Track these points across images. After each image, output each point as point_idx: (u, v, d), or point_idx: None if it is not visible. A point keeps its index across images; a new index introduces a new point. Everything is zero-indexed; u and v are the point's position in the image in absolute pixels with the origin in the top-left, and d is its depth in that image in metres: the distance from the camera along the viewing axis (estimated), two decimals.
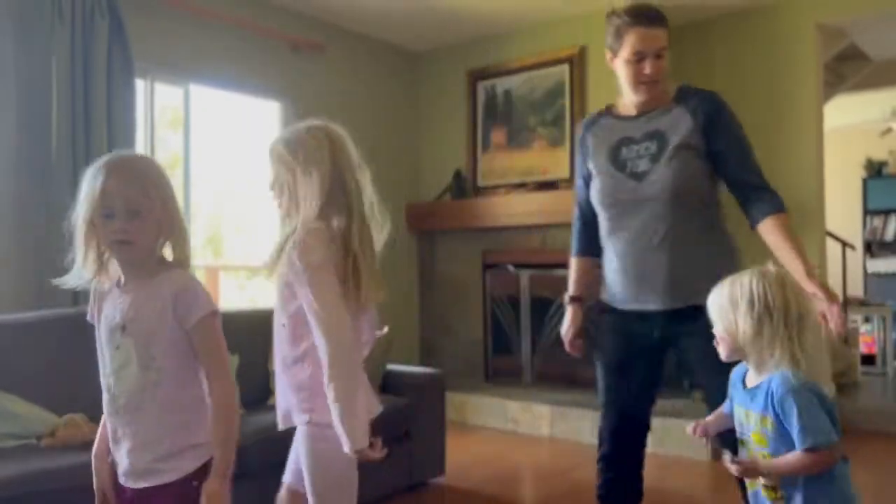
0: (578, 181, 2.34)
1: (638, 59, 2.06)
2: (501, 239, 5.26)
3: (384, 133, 5.56)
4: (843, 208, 7.59)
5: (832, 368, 4.93)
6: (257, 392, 3.34)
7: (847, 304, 6.14)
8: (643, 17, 2.06)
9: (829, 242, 5.12)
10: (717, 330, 1.69)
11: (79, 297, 3.53)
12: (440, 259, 5.70)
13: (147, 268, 1.57)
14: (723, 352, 1.69)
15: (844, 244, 6.19)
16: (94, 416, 2.59)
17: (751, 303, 1.60)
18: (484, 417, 4.85)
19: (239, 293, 5.27)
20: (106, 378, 1.58)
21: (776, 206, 2.28)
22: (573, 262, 2.39)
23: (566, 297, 2.37)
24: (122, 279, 1.60)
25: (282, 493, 2.05)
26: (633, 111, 2.16)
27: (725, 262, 2.07)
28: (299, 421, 1.85)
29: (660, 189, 2.04)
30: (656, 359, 2.26)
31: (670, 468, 3.79)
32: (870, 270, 8.16)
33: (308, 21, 4.98)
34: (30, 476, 2.18)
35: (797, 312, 1.60)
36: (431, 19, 5.11)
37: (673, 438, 4.00)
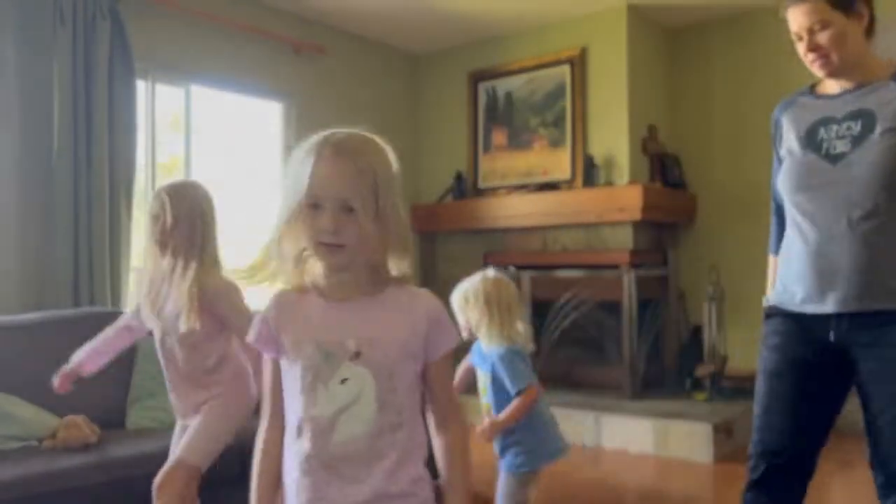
0: (774, 171, 1.99)
1: (797, 40, 1.94)
2: (503, 240, 5.26)
3: (385, 135, 5.51)
4: None
5: None
6: (258, 393, 3.34)
7: None
8: None
9: None
10: (459, 319, 2.30)
11: (79, 298, 3.53)
12: (441, 260, 5.69)
13: (374, 279, 1.23)
14: (463, 334, 2.30)
15: None
16: (94, 418, 2.60)
17: (476, 297, 2.30)
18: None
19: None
20: (314, 420, 1.19)
21: None
22: (771, 262, 2.03)
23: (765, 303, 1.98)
24: (326, 290, 1.23)
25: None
26: (836, 89, 1.89)
27: None
28: None
29: (858, 173, 1.73)
30: (831, 377, 1.87)
31: (671, 470, 3.78)
32: None
33: (309, 23, 4.98)
34: (31, 478, 2.18)
35: (507, 304, 2.31)
36: (432, 21, 5.12)
37: (674, 440, 3.99)
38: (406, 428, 1.20)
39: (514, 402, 2.26)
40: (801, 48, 1.94)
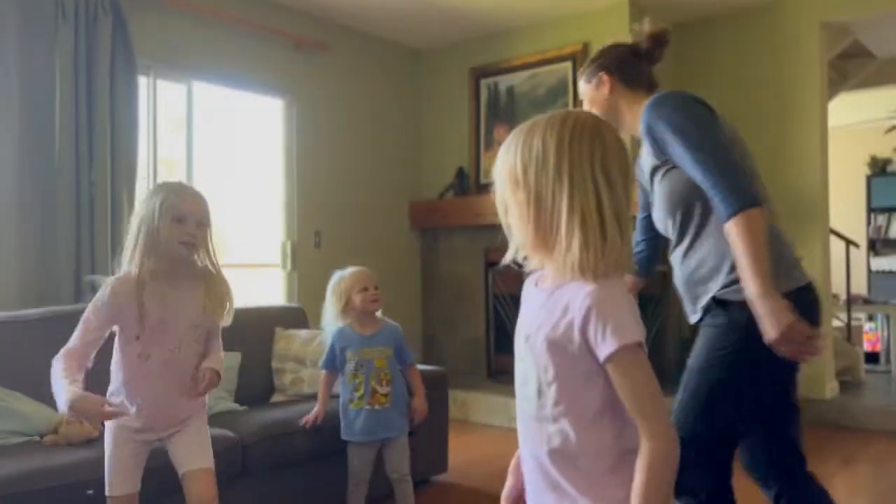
0: (643, 206, 2.38)
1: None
2: (504, 236, 5.26)
3: (387, 131, 5.56)
4: (847, 206, 7.56)
5: (835, 366, 4.92)
6: (259, 390, 3.35)
7: (851, 302, 6.13)
8: None
9: (833, 240, 5.11)
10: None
11: (81, 294, 3.54)
12: (443, 257, 5.69)
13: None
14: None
15: (848, 242, 6.17)
16: None
17: (333, 292, 2.80)
18: (486, 415, 4.85)
19: (241, 291, 5.27)
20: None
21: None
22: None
23: None
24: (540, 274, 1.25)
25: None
26: None
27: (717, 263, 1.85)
28: None
29: (656, 214, 2.06)
30: None
31: None
32: (874, 268, 8.14)
33: (311, 19, 4.98)
34: (32, 473, 2.18)
35: (346, 297, 2.75)
36: (434, 17, 5.11)
37: None
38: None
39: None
40: None
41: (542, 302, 1.18)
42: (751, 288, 1.65)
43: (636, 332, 1.07)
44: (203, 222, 2.07)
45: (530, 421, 1.18)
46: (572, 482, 1.12)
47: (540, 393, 1.15)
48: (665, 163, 1.88)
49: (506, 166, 1.21)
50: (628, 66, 2.15)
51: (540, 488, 1.18)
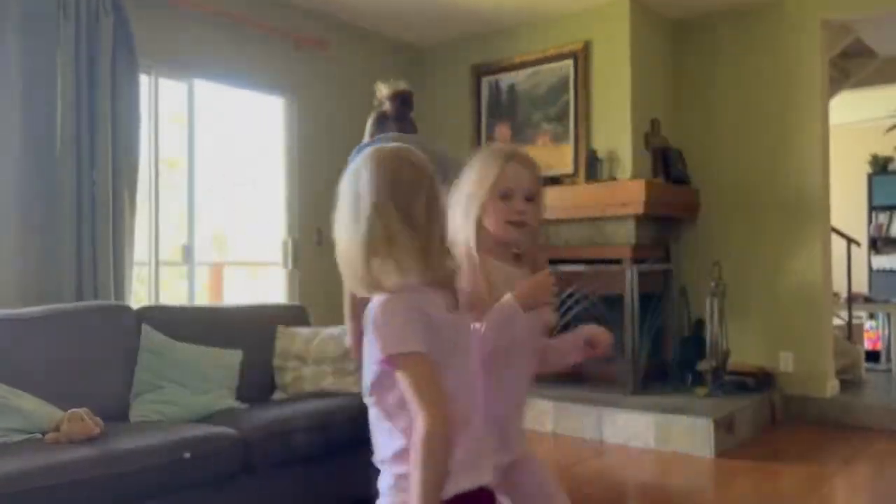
0: None
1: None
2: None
3: None
4: (848, 204, 7.56)
5: (836, 365, 4.92)
6: (260, 387, 3.35)
7: (852, 300, 6.13)
8: None
9: (834, 238, 5.11)
10: None
11: (82, 292, 3.55)
12: None
13: None
14: None
15: (849, 240, 6.16)
16: (98, 411, 2.61)
17: None
18: None
19: (242, 290, 5.28)
20: None
21: None
22: None
23: None
24: None
25: None
26: None
27: None
28: None
29: None
30: None
31: (672, 464, 3.79)
32: (875, 267, 8.13)
33: (312, 17, 4.98)
34: (34, 471, 2.19)
35: None
36: (435, 15, 5.11)
37: (675, 434, 4.00)
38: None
39: None
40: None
41: None
42: None
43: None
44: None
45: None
46: None
47: None
48: None
49: None
50: (378, 129, 2.77)
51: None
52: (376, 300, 1.30)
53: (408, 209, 1.29)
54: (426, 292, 1.30)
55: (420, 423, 1.25)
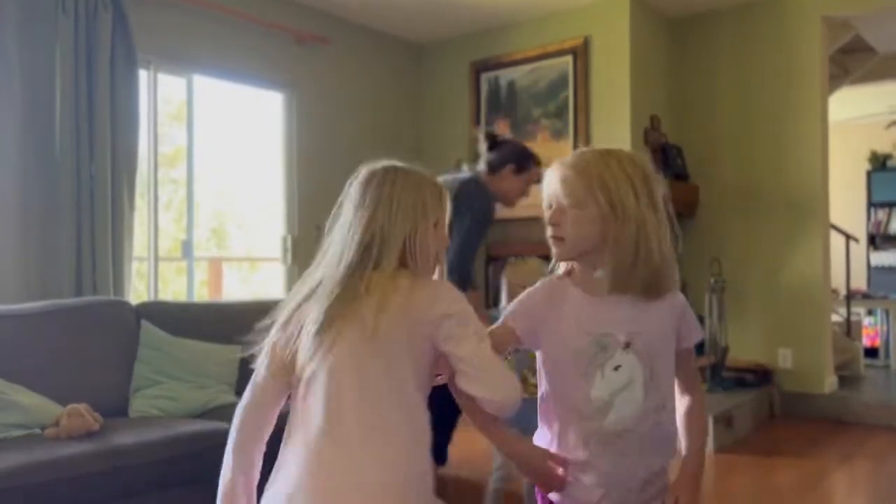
0: None
1: (530, 184, 3.17)
2: (505, 230, 5.26)
3: (387, 125, 5.55)
4: (847, 201, 7.56)
5: (835, 361, 4.93)
6: None
7: (850, 297, 6.13)
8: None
9: (833, 235, 5.11)
10: None
11: (82, 288, 3.54)
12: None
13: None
14: None
15: (848, 237, 6.17)
16: (97, 406, 2.61)
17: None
18: None
19: (242, 285, 5.28)
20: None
21: None
22: None
23: None
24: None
25: None
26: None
27: None
28: None
29: None
30: None
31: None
32: (873, 263, 8.14)
33: (312, 13, 4.97)
34: (33, 466, 2.19)
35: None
36: (435, 11, 5.10)
37: None
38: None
39: None
40: (528, 191, 3.12)
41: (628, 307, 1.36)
42: None
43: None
44: None
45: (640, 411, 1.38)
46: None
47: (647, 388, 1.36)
48: None
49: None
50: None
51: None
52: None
53: None
54: None
55: (700, 397, 1.54)
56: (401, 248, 1.34)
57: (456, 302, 1.33)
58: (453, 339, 1.29)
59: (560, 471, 1.36)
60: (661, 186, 1.42)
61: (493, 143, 3.13)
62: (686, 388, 1.54)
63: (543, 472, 1.36)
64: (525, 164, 3.10)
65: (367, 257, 1.35)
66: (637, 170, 1.38)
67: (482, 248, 3.75)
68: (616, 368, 1.33)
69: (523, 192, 3.12)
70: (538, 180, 2.78)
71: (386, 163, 1.44)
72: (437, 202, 1.40)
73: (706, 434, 1.59)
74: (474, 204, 2.89)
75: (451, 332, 1.29)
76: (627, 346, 1.33)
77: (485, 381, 1.28)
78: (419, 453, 1.31)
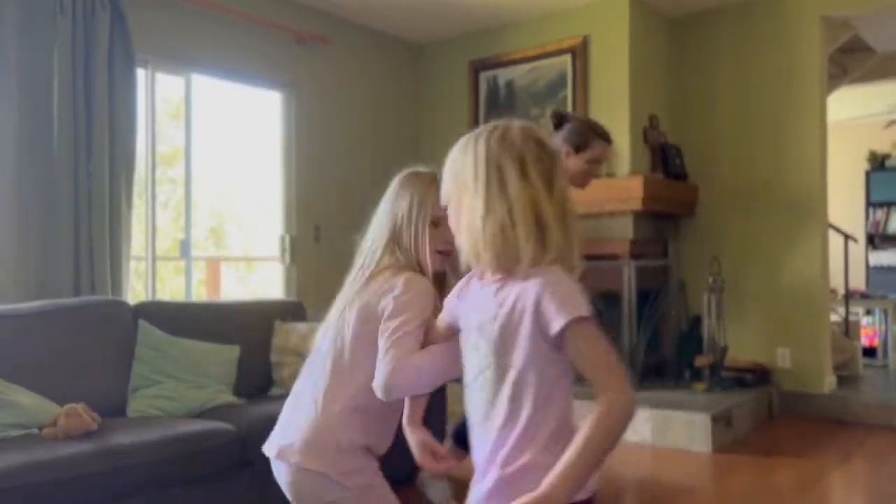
0: None
1: (598, 164, 2.87)
2: None
3: (386, 124, 5.55)
4: (845, 201, 7.56)
5: (833, 361, 4.93)
6: (258, 382, 3.35)
7: (849, 296, 6.13)
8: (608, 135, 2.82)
9: (832, 235, 5.11)
10: None
11: (80, 287, 3.54)
12: None
13: None
14: None
15: (847, 237, 6.17)
16: (95, 406, 2.60)
17: None
18: None
19: (240, 285, 5.27)
20: None
21: None
22: None
23: None
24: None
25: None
26: None
27: None
28: None
29: None
30: None
31: (670, 460, 3.80)
32: (872, 263, 8.14)
33: (311, 12, 4.96)
34: (31, 466, 2.18)
35: None
36: (434, 10, 5.10)
37: (673, 430, 4.00)
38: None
39: None
40: (598, 168, 2.87)
41: (491, 295, 1.25)
42: None
43: (583, 307, 1.16)
44: None
45: (485, 405, 1.24)
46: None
47: (497, 378, 1.22)
48: None
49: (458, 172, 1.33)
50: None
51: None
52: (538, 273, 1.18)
53: None
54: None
55: (613, 396, 1.13)
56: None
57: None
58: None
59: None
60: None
61: (560, 122, 2.88)
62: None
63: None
64: (582, 141, 2.82)
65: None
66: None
67: None
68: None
69: (588, 173, 2.82)
70: (601, 160, 2.73)
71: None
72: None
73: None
74: None
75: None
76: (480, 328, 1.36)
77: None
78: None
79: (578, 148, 2.79)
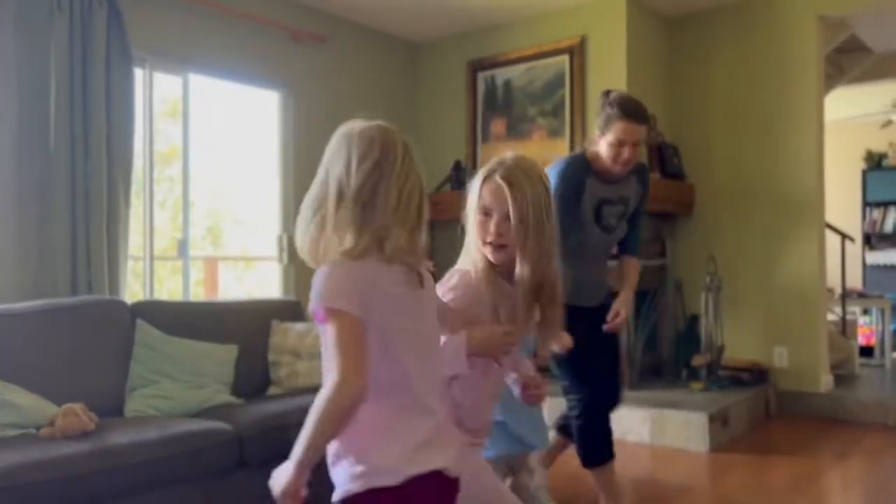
0: (570, 210, 2.66)
1: (619, 144, 2.65)
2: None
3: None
4: (842, 200, 7.58)
5: (830, 360, 4.94)
6: (256, 382, 3.35)
7: (846, 296, 6.15)
8: (631, 113, 2.67)
9: (829, 234, 5.12)
10: None
11: (77, 287, 3.53)
12: (440, 250, 5.67)
13: None
14: None
15: (844, 236, 6.18)
16: (93, 406, 2.60)
17: None
18: None
19: (237, 284, 5.27)
20: None
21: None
22: None
23: None
24: None
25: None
26: (610, 176, 2.75)
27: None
28: None
29: (616, 237, 2.90)
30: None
31: (667, 459, 3.80)
32: (869, 262, 8.16)
33: (308, 11, 4.96)
34: (28, 466, 2.18)
35: None
36: (432, 10, 5.10)
37: (670, 429, 4.01)
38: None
39: None
40: (620, 151, 2.66)
41: None
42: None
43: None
44: None
45: None
46: None
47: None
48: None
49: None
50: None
51: None
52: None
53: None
54: (378, 265, 1.34)
55: (332, 380, 1.25)
56: None
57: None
58: None
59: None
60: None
61: (604, 103, 2.73)
62: None
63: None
64: (603, 123, 2.68)
65: None
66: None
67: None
68: None
69: (612, 157, 2.66)
70: (622, 142, 2.65)
71: None
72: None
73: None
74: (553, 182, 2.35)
75: None
76: None
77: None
78: None
79: (603, 131, 2.68)
